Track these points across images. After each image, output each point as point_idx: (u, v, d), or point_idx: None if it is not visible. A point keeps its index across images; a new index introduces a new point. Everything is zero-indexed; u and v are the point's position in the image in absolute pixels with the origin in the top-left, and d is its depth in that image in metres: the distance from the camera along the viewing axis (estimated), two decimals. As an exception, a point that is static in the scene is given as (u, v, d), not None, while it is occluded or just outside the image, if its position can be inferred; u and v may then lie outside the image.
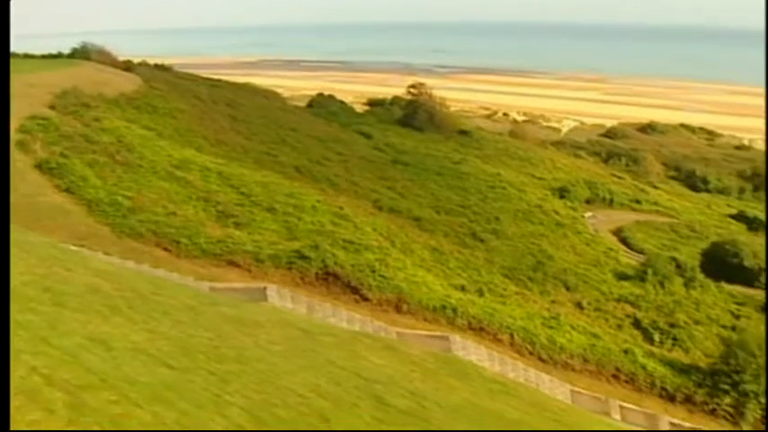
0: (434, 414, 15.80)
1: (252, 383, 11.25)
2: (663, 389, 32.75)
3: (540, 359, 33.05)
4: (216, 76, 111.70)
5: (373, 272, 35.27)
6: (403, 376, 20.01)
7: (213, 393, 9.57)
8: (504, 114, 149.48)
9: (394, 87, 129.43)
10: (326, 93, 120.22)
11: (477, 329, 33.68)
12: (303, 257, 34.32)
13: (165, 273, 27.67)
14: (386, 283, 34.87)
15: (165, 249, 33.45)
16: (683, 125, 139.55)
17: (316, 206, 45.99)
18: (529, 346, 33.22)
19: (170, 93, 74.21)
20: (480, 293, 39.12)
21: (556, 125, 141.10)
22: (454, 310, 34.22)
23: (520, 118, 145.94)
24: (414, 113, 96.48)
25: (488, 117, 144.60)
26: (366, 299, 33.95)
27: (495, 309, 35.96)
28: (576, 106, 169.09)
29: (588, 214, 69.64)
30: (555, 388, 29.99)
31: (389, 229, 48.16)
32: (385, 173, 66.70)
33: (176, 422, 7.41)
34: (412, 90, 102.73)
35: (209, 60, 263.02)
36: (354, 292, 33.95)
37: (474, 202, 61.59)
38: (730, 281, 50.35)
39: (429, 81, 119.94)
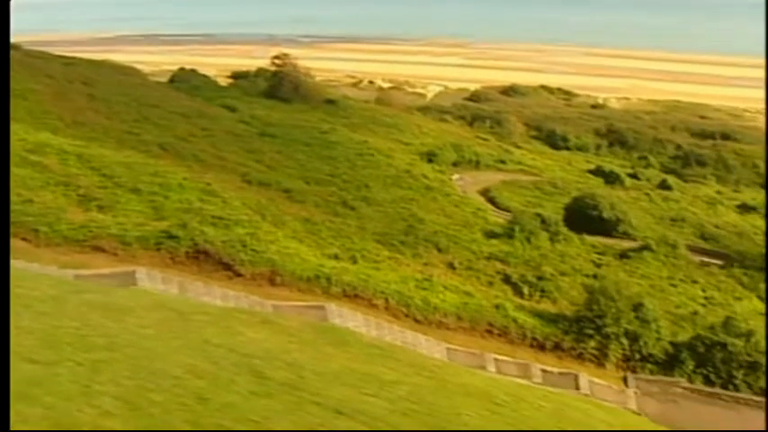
0: (313, 383, 15.75)
1: (124, 370, 10.84)
2: (533, 339, 34.18)
3: (416, 320, 33.66)
4: (72, 54, 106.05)
5: (244, 246, 34.83)
6: (281, 348, 19.85)
7: (82, 384, 9.16)
8: (370, 82, 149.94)
9: (258, 59, 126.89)
10: (188, 67, 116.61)
11: (353, 296, 33.91)
12: (172, 237, 33.45)
13: (24, 264, 26.24)
14: (258, 256, 34.51)
15: (24, 239, 31.75)
16: (542, 87, 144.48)
17: (182, 184, 44.77)
18: (404, 309, 33.76)
19: (20, 72, 69.91)
20: (353, 261, 39.33)
21: (421, 91, 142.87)
22: (328, 278, 34.29)
23: (386, 85, 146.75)
24: (279, 85, 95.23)
25: (354, 85, 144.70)
26: (239, 274, 33.52)
27: (368, 275, 36.26)
28: (441, 71, 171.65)
29: (456, 176, 71.14)
30: (432, 347, 30.65)
31: (259, 202, 47.58)
32: (252, 146, 65.64)
33: (43, 417, 7.04)
34: (276, 61, 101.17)
35: (65, 37, 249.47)
36: (227, 268, 33.43)
37: (343, 171, 61.66)
38: (591, 232, 52.90)
39: (293, 51, 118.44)
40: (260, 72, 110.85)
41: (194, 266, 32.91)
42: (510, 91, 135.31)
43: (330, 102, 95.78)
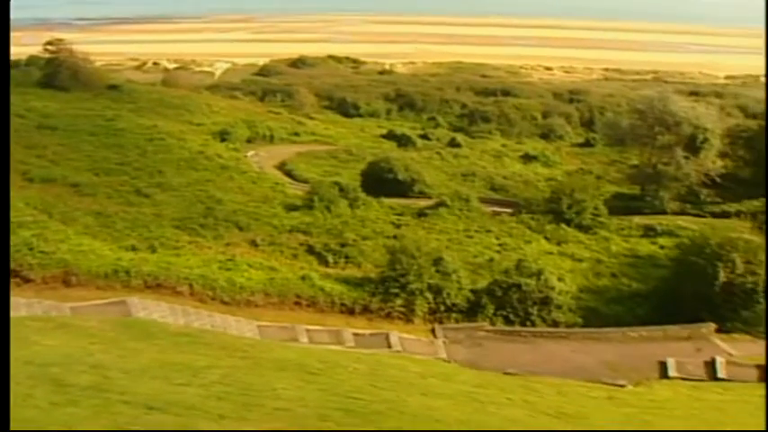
0: (120, 382, 15.12)
1: None
2: (342, 305, 34.77)
3: (223, 302, 33.23)
4: None
5: (31, 249, 32.91)
6: (82, 352, 18.85)
7: None
8: (155, 63, 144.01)
9: (29, 46, 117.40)
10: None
11: (155, 286, 32.96)
12: (-58, 248, 30.61)
13: None
14: (48, 258, 32.72)
15: None
16: (330, 57, 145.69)
17: (-49, 189, 41.00)
18: (209, 293, 33.23)
19: None
20: (153, 250, 38.16)
21: (208, 69, 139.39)
22: (127, 272, 33.10)
23: (171, 66, 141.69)
24: (55, 73, 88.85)
25: (138, 68, 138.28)
26: (28, 279, 31.67)
27: (170, 262, 35.32)
28: (227, 48, 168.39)
29: (251, 153, 70.36)
30: (242, 327, 30.38)
31: (44, 200, 44.90)
32: (31, 141, 61.27)
33: None
34: (50, 47, 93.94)
35: None
36: (14, 274, 31.28)
37: (134, 159, 59.17)
38: (388, 195, 54.41)
39: (68, 36, 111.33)
40: (32, 60, 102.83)
41: (-26, 277, 30.42)
42: (298, 63, 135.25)
43: (113, 87, 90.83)
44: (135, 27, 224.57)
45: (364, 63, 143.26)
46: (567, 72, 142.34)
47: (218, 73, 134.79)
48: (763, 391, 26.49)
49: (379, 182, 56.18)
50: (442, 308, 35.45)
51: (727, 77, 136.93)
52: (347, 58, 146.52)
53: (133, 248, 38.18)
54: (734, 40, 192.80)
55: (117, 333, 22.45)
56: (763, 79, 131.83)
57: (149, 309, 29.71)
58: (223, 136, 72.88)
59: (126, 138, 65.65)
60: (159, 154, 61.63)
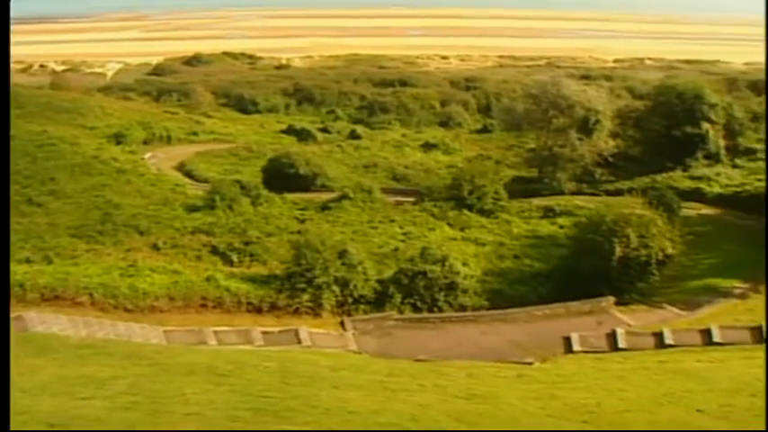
0: (19, 402, 14.47)
1: None
2: (249, 304, 34.50)
3: (127, 310, 32.44)
4: None
5: None
6: (-26, 373, 18.04)
7: None
8: (42, 66, 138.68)
9: None
10: None
11: (53, 299, 31.94)
12: None
13: None
14: (-68, 276, 30.88)
15: None
16: (226, 53, 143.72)
17: None
18: (111, 301, 32.39)
19: None
20: (48, 261, 36.89)
21: (100, 70, 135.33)
22: (22, 285, 31.94)
23: (59, 68, 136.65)
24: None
25: (24, 71, 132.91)
26: None
27: (67, 272, 34.25)
28: (119, 48, 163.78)
29: (148, 155, 68.57)
30: (148, 334, 29.68)
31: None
32: None
33: None
34: None
35: None
36: None
37: (23, 167, 56.69)
38: (291, 190, 54.15)
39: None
40: None
41: None
42: (193, 61, 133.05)
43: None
44: (16, 28, 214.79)
45: (261, 58, 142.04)
46: (462, 60, 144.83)
47: (110, 74, 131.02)
48: (659, 357, 27.91)
49: (281, 177, 55.77)
50: (350, 300, 35.63)
51: (615, 61, 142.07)
52: (243, 54, 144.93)
53: (27, 261, 36.84)
54: (621, 25, 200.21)
55: (14, 350, 21.60)
56: (648, 62, 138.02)
57: (48, 322, 28.65)
58: (118, 139, 70.73)
59: (14, 145, 62.44)
60: (51, 160, 59.30)
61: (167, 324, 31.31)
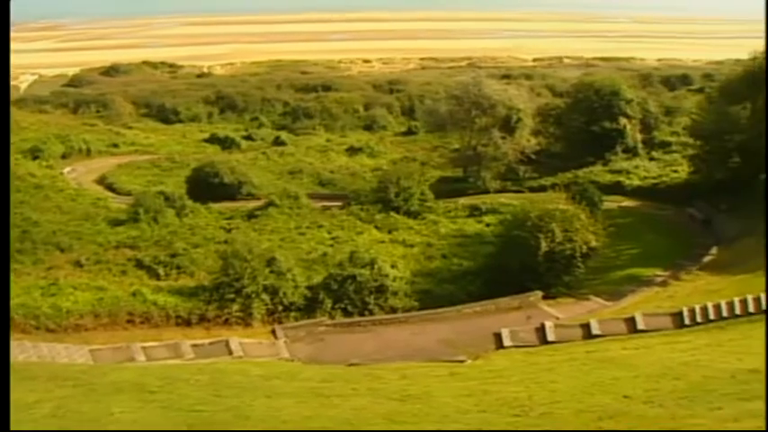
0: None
1: None
2: (178, 317, 33.95)
3: (49, 330, 31.51)
4: None
5: None
6: None
7: None
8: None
9: None
10: None
11: (-31, 322, 30.64)
12: None
13: None
14: None
15: None
16: (145, 62, 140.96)
17: None
18: (33, 322, 31.40)
19: None
20: (-36, 283, 35.42)
21: (13, 82, 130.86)
22: (-65, 309, 30.48)
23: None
24: None
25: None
26: None
27: (-15, 294, 32.95)
28: (32, 59, 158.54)
29: (67, 169, 66.78)
30: (73, 354, 28.95)
31: None
32: None
33: None
34: None
35: None
36: None
37: (-66, 187, 54.58)
38: (216, 200, 53.69)
39: None
40: None
41: None
42: (111, 71, 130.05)
43: None
44: None
45: (181, 67, 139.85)
46: (385, 63, 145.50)
47: (23, 86, 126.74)
48: (587, 347, 28.70)
49: (206, 187, 55.15)
50: (280, 308, 35.43)
51: (534, 60, 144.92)
52: (163, 63, 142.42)
53: (-59, 284, 35.40)
54: (539, 24, 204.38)
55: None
56: (567, 60, 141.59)
57: (-36, 348, 27.68)
58: (35, 153, 68.51)
59: None
60: (-39, 179, 57.18)
61: (93, 342, 30.58)
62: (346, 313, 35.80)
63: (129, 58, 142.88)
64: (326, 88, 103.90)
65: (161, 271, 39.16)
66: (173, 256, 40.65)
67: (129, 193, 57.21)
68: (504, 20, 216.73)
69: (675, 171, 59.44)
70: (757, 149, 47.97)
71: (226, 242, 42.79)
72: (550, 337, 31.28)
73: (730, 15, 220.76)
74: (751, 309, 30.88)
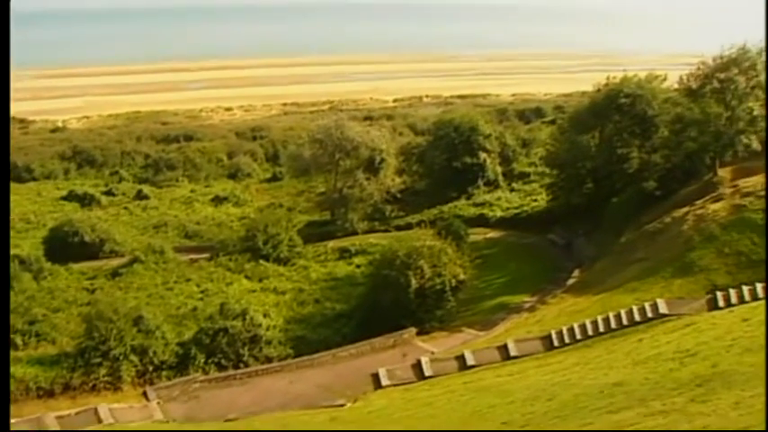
0: None
1: None
2: (39, 388, 32.29)
3: None
4: None
5: None
6: None
7: None
8: None
9: None
10: None
11: None
12: None
13: None
14: None
15: None
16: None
17: None
18: None
19: None
20: None
21: None
22: None
23: None
24: None
25: None
26: None
27: None
28: None
29: None
30: None
31: None
32: None
33: None
34: None
35: None
36: None
37: None
38: (77, 260, 51.30)
39: None
40: None
41: None
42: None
43: None
44: None
45: (33, 122, 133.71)
46: (246, 111, 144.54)
47: None
48: (463, 378, 29.35)
49: (65, 247, 52.56)
50: (151, 368, 34.43)
51: (395, 100, 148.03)
52: (14, 119, 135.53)
53: None
54: (396, 66, 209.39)
55: None
56: (426, 99, 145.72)
57: None
58: None
59: None
60: None
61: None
62: (220, 367, 35.19)
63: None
64: (188, 138, 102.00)
65: (19, 341, 36.85)
66: (31, 323, 38.54)
67: (-21, 260, 53.91)
68: (362, 62, 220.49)
69: (535, 200, 62.22)
70: (608, 173, 51.70)
71: (89, 304, 41.19)
72: (427, 372, 31.85)
73: (575, 50, 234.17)
74: (613, 325, 32.67)
